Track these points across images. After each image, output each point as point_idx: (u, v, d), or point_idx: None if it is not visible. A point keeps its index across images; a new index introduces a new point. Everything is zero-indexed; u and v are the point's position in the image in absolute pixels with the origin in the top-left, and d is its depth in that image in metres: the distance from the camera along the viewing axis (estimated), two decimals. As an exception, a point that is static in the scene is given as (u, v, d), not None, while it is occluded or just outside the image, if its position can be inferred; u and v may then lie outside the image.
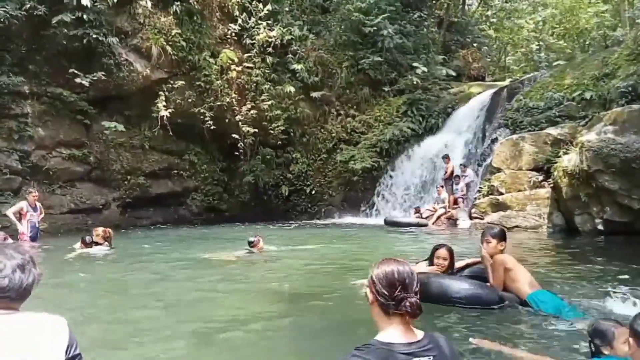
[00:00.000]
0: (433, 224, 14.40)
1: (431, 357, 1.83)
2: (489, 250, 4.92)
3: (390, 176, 17.97)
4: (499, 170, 13.52)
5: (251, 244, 8.81)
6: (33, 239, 10.57)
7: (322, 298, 5.51)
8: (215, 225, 16.01)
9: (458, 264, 5.46)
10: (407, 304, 1.86)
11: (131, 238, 12.48)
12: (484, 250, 4.98)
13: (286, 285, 6.37)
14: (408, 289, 1.89)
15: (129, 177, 16.10)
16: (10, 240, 8.33)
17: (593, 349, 2.88)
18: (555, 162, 11.95)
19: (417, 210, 15.33)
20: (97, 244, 9.10)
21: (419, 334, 1.90)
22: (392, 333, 1.87)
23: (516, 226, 12.16)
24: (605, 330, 2.83)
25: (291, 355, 3.92)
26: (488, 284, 4.95)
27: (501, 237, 4.95)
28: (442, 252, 5.26)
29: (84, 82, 13.97)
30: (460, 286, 4.82)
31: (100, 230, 9.31)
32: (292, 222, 17.52)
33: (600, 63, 15.22)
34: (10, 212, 10.58)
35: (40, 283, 1.95)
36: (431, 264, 5.28)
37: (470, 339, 3.73)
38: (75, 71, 13.98)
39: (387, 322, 1.90)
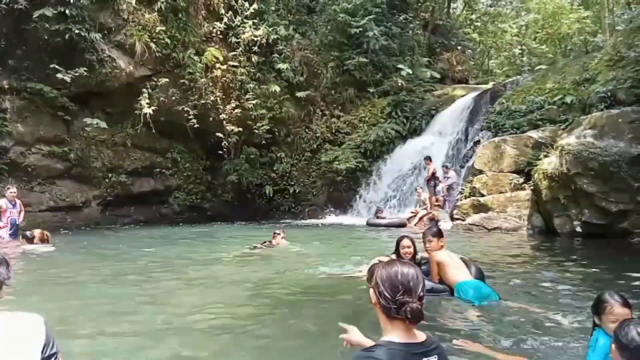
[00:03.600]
0: (415, 225, 14.47)
1: (436, 356, 1.84)
2: (432, 248, 5.48)
3: (374, 177, 18.04)
4: (480, 172, 13.66)
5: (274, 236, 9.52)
6: (13, 236, 10.39)
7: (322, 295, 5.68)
8: (200, 225, 15.87)
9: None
10: (408, 309, 1.81)
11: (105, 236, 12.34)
12: (427, 249, 5.57)
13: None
14: (411, 293, 1.84)
15: (110, 174, 15.92)
16: None
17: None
18: (536, 165, 12.13)
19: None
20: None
21: (422, 335, 1.90)
22: (397, 334, 1.85)
23: (497, 227, 12.30)
24: (601, 300, 2.88)
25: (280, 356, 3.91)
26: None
27: (440, 235, 5.55)
28: (406, 241, 5.76)
29: (65, 77, 13.76)
30: None
31: (37, 232, 9.68)
32: (281, 221, 17.46)
33: (581, 68, 15.49)
34: None
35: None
36: (398, 254, 5.71)
37: (454, 341, 3.77)
38: (57, 66, 13.76)
39: (390, 324, 1.88)
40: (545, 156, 11.99)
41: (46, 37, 13.63)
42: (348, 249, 9.81)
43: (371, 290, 1.95)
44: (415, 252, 5.79)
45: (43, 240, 9.53)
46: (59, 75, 13.73)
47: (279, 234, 9.61)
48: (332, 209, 18.43)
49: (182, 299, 5.58)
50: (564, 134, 12.28)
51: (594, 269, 7.03)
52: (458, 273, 5.26)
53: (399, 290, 1.84)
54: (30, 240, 9.34)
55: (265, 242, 9.50)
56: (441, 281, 5.38)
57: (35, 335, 1.81)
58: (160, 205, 17.89)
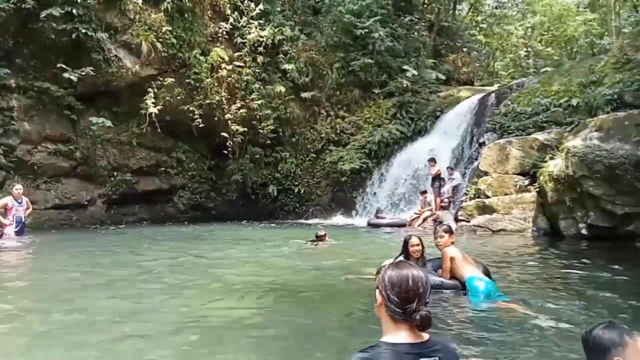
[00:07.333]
0: (419, 226, 14.47)
1: (437, 358, 1.80)
2: (444, 244, 5.61)
3: (379, 177, 18.04)
4: (486, 173, 13.62)
5: (318, 237, 9.89)
6: (19, 233, 10.49)
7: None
8: (204, 224, 15.89)
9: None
10: (418, 317, 1.78)
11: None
12: (438, 244, 5.70)
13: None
14: (420, 300, 1.81)
15: (115, 173, 15.98)
16: None
17: None
18: (542, 167, 12.08)
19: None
20: None
21: (425, 335, 1.86)
22: (398, 335, 1.83)
23: (502, 229, 12.26)
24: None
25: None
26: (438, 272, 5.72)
27: (451, 231, 5.75)
28: (414, 240, 5.86)
29: (72, 77, 13.82)
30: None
31: None
32: (281, 220, 17.51)
33: (587, 70, 15.42)
34: None
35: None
36: (407, 254, 5.76)
37: None
38: (64, 66, 13.82)
39: (394, 325, 1.85)
40: (551, 158, 11.95)
41: (53, 37, 13.69)
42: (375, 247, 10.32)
43: (377, 291, 1.90)
44: (424, 250, 5.86)
45: None
46: (66, 75, 13.79)
47: (324, 234, 10.00)
48: (336, 208, 18.44)
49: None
50: (569, 136, 12.22)
51: (599, 272, 7.01)
52: (470, 268, 5.42)
53: (409, 295, 1.81)
54: None
55: (312, 241, 9.99)
56: (452, 277, 5.52)
57: None
58: (165, 204, 17.95)
